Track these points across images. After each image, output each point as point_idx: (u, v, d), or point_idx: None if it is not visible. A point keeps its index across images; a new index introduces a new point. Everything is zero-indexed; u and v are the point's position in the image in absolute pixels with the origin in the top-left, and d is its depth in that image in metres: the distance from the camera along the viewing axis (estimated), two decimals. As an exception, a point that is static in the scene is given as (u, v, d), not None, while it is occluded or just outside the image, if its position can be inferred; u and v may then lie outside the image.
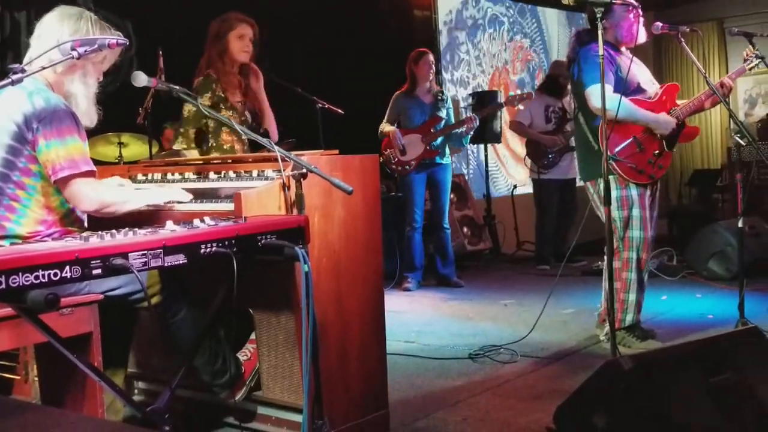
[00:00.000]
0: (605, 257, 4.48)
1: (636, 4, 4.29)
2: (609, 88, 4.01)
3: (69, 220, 2.87)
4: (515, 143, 9.30)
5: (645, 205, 4.32)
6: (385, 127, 6.51)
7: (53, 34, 2.81)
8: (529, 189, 8.25)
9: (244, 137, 4.22)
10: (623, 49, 4.41)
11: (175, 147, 4.26)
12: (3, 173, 2.77)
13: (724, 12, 10.83)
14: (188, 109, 4.15)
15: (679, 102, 4.45)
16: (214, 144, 4.20)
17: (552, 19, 10.38)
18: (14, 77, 2.35)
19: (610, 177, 4.33)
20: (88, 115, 2.95)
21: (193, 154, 4.23)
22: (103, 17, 2.96)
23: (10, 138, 2.75)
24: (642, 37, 4.30)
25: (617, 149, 4.21)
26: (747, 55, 4.42)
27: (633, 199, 4.28)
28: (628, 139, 4.23)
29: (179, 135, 4.23)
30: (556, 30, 10.45)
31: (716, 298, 5.75)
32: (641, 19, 4.28)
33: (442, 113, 6.50)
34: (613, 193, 4.33)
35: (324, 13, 7.29)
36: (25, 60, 2.76)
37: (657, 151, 4.30)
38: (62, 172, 2.71)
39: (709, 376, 2.34)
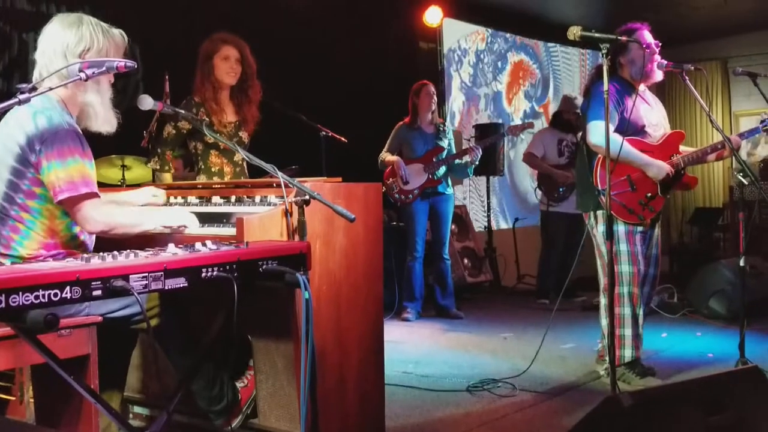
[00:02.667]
0: (601, 292, 4.49)
1: (649, 42, 4.27)
2: (610, 126, 3.89)
3: (74, 243, 2.84)
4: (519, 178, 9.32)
5: (633, 241, 4.30)
6: (387, 156, 6.51)
7: (58, 45, 2.77)
8: (530, 222, 8.24)
9: (237, 158, 4.17)
10: (641, 87, 4.37)
11: (149, 166, 4.19)
12: (8, 195, 2.75)
13: (728, 52, 10.90)
14: (168, 131, 4.06)
15: (685, 148, 4.45)
16: (203, 167, 4.12)
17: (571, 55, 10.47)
18: (21, 97, 2.35)
19: (599, 212, 4.34)
20: (108, 121, 2.92)
21: (166, 177, 4.18)
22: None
23: (14, 160, 2.73)
24: (657, 75, 4.32)
25: None
26: (765, 116, 4.39)
27: (619, 234, 4.26)
28: (622, 177, 4.22)
29: (155, 155, 4.13)
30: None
31: (716, 336, 5.72)
32: (657, 57, 4.28)
33: (444, 143, 6.52)
34: (600, 228, 4.34)
35: (330, 42, 7.34)
36: (35, 77, 2.74)
37: (650, 194, 4.29)
38: (62, 194, 2.68)
39: (708, 415, 2.32)
